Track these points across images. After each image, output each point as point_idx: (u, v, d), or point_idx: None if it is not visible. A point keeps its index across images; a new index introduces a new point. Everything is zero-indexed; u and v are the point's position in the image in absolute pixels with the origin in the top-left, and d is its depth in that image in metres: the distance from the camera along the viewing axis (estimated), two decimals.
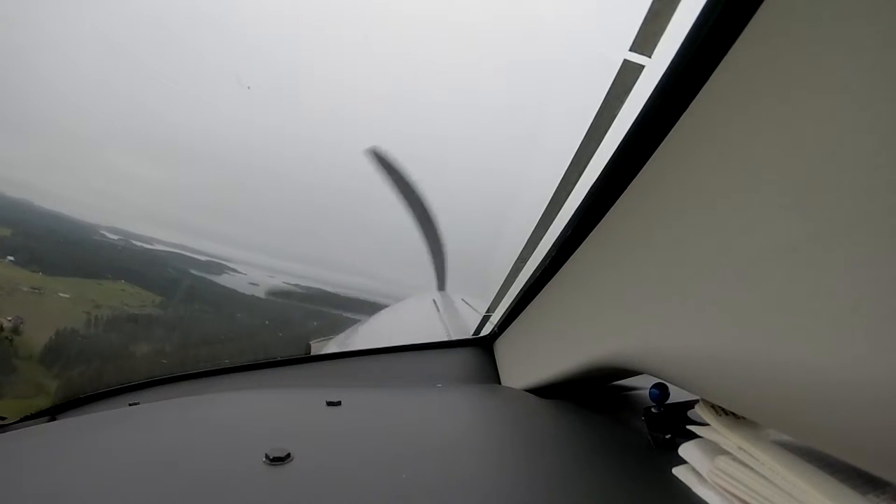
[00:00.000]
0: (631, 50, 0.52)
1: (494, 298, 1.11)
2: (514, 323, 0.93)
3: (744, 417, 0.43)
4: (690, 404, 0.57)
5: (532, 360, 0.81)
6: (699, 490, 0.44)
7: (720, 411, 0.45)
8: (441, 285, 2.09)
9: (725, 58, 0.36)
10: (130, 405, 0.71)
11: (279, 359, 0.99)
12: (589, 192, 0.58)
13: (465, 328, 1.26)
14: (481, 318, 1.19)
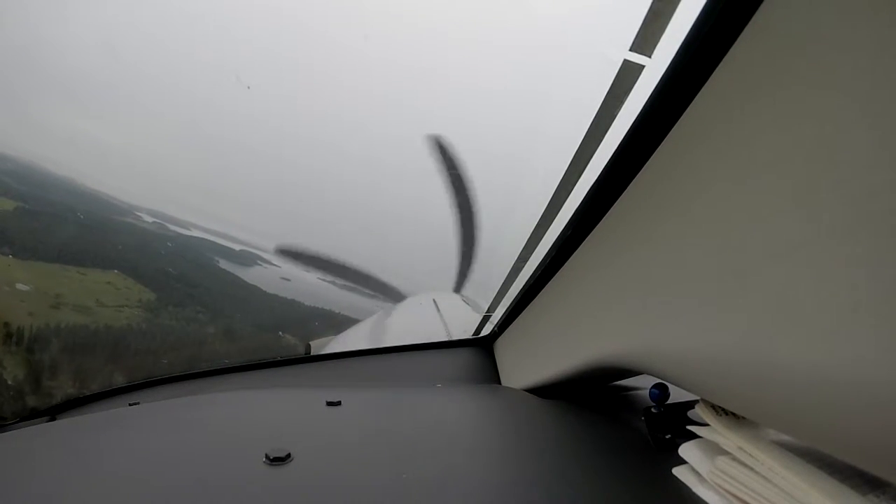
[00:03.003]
0: (631, 50, 0.52)
1: (494, 298, 1.11)
2: (514, 323, 0.93)
3: (744, 417, 0.43)
4: (690, 404, 0.57)
5: (532, 360, 0.81)
6: (699, 490, 0.44)
7: (720, 411, 0.45)
8: (458, 287, 2.08)
9: (725, 58, 0.36)
10: (130, 405, 0.71)
11: (279, 359, 0.99)
12: (589, 192, 0.58)
13: (465, 328, 1.26)
14: (481, 318, 1.19)
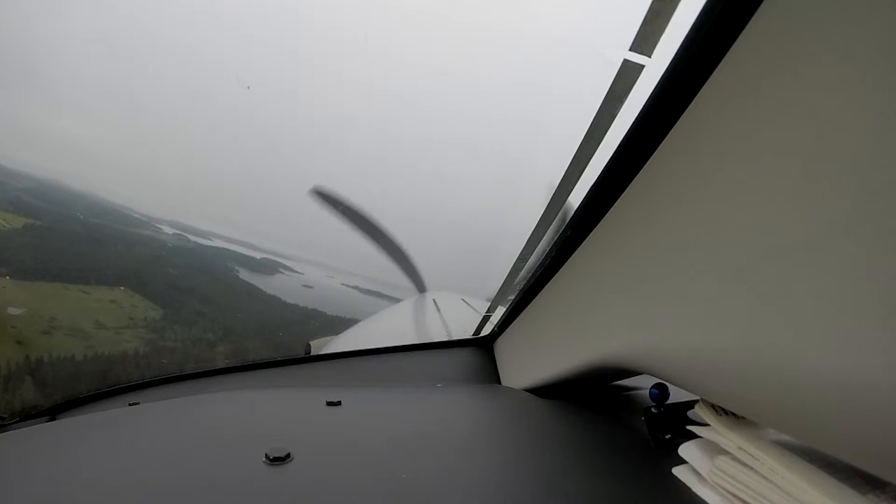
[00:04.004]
0: (631, 50, 0.52)
1: (494, 298, 1.11)
2: (514, 323, 0.93)
3: (744, 417, 0.43)
4: (690, 404, 0.57)
5: (532, 360, 0.81)
6: (699, 490, 0.44)
7: (720, 411, 0.45)
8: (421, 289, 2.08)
9: (725, 58, 0.36)
10: (130, 405, 0.71)
11: (279, 359, 0.99)
12: (589, 192, 0.58)
13: (465, 328, 1.26)
14: (481, 318, 1.19)
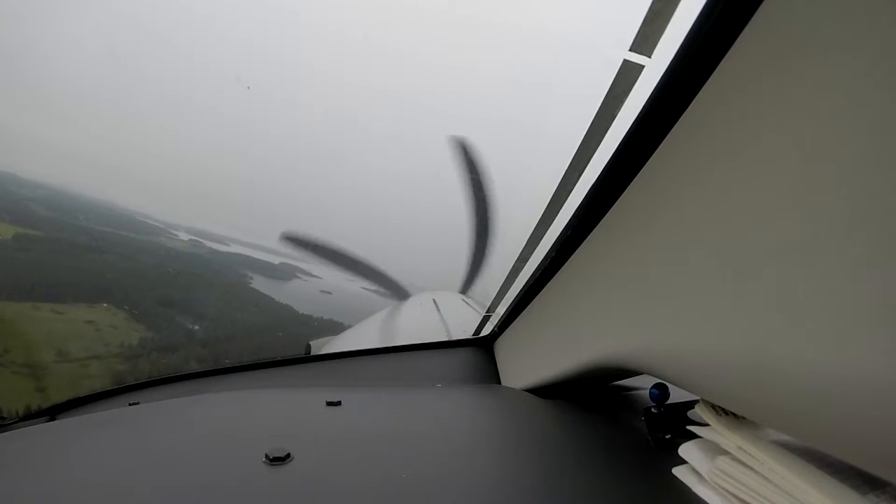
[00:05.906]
0: (631, 50, 0.52)
1: (494, 298, 1.11)
2: (514, 323, 0.93)
3: (744, 417, 0.43)
4: (690, 404, 0.57)
5: (532, 360, 0.81)
6: (699, 490, 0.44)
7: (720, 411, 0.45)
8: (464, 289, 2.04)
9: (725, 58, 0.36)
10: (130, 405, 0.71)
11: (279, 359, 0.99)
12: (589, 192, 0.58)
13: (465, 328, 1.26)
14: (481, 318, 1.19)
